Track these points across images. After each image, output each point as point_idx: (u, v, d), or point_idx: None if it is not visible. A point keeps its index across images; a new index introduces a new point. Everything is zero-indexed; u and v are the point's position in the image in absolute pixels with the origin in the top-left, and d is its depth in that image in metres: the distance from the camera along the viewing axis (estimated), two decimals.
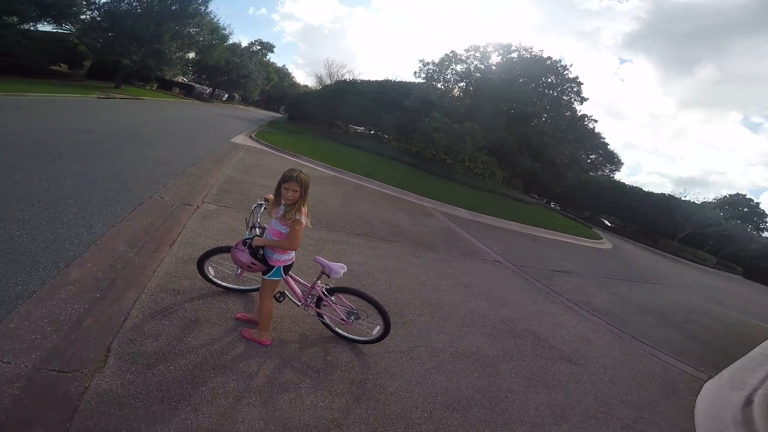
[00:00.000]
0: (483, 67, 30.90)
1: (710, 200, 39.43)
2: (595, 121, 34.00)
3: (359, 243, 6.32)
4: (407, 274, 5.54)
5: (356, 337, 3.33)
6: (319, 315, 3.27)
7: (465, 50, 31.70)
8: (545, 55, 29.92)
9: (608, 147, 43.08)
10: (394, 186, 13.97)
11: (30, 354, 2.26)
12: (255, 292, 3.57)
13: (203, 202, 5.90)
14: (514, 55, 30.31)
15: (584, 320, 6.08)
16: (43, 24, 31.01)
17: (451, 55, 31.74)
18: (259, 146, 15.26)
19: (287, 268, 2.90)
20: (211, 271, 3.40)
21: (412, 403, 2.87)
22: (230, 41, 52.17)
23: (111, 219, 4.36)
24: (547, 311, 5.96)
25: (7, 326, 2.41)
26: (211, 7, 42.56)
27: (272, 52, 78.57)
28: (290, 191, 2.61)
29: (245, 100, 76.05)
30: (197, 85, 54.72)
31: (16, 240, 3.37)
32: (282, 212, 2.69)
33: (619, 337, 5.79)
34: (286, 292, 3.23)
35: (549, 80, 29.58)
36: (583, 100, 30.50)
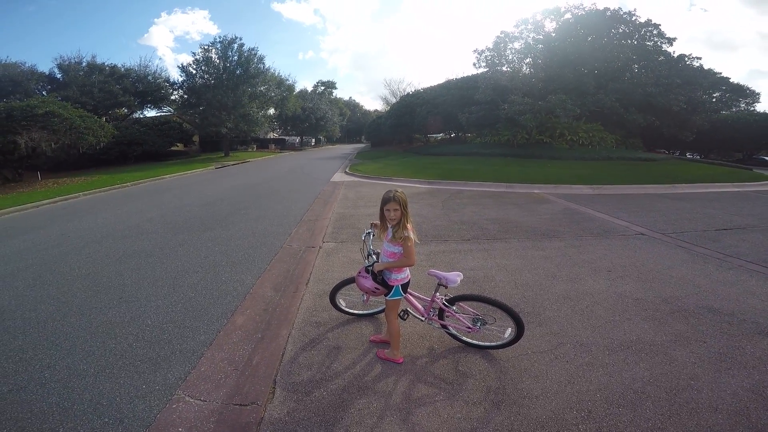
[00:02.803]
0: (541, 37, 29.09)
1: None
2: (699, 58, 29.01)
3: (471, 248, 6.04)
4: (532, 269, 5.07)
5: (486, 343, 3.16)
6: (444, 327, 3.23)
7: (515, 27, 30.38)
8: (601, 7, 27.53)
9: (730, 81, 36.02)
10: (494, 181, 13.40)
11: (219, 391, 2.76)
12: (382, 314, 3.76)
13: (323, 242, 6.61)
14: (568, 15, 28.28)
15: None
16: (147, 110, 39.06)
17: (503, 35, 30.57)
18: (354, 179, 16.34)
19: (405, 286, 3.00)
20: (342, 303, 3.79)
21: (564, 404, 2.54)
22: (297, 89, 57.85)
23: (256, 271, 5.23)
24: (723, 280, 4.88)
25: (199, 369, 3.03)
26: (268, 63, 47.97)
27: (335, 88, 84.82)
28: (392, 211, 2.77)
29: (330, 140, 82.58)
30: (287, 138, 61.35)
31: (192, 300, 4.34)
32: (390, 234, 2.85)
33: None
34: (408, 309, 3.31)
35: (620, 30, 27.05)
36: (670, 40, 27.03)
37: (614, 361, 3.04)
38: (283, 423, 2.46)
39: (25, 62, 31.07)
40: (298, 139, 62.23)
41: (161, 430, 2.41)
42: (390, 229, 2.85)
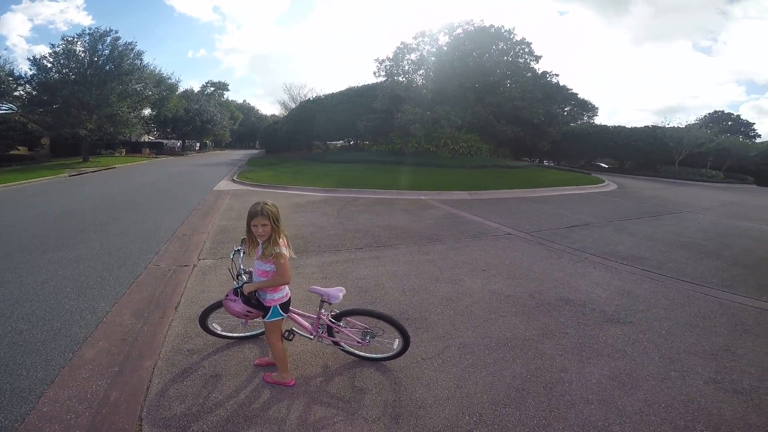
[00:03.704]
0: (435, 50, 30.99)
1: (693, 122, 39.31)
2: (557, 75, 34.95)
3: (363, 256, 6.06)
4: (418, 274, 5.28)
5: (378, 356, 3.14)
6: (336, 343, 3.11)
7: (414, 38, 31.80)
8: (487, 24, 30.31)
9: (579, 96, 43.83)
10: (386, 189, 13.74)
11: None
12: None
13: (199, 260, 5.87)
14: (459, 30, 30.50)
15: (616, 273, 5.77)
16: None
17: (402, 46, 31.79)
18: (243, 187, 15.11)
19: (285, 306, 2.78)
20: (217, 327, 3.38)
21: (457, 410, 2.62)
22: (181, 89, 51.73)
23: (112, 296, 4.45)
24: (574, 272, 5.67)
25: (41, 410, 2.55)
26: (147, 59, 40.98)
27: (227, 90, 78.78)
28: (260, 227, 2.52)
29: (218, 145, 75.78)
30: (166, 141, 54.45)
31: (25, 333, 3.57)
32: (261, 251, 2.60)
33: (660, 282, 5.43)
34: (294, 328, 3.08)
35: (499, 47, 29.97)
36: (537, 58, 30.94)
37: (495, 360, 3.25)
38: None
39: None
40: (179, 143, 55.59)
41: None
42: (260, 246, 2.61)
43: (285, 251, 2.56)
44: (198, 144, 63.53)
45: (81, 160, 30.28)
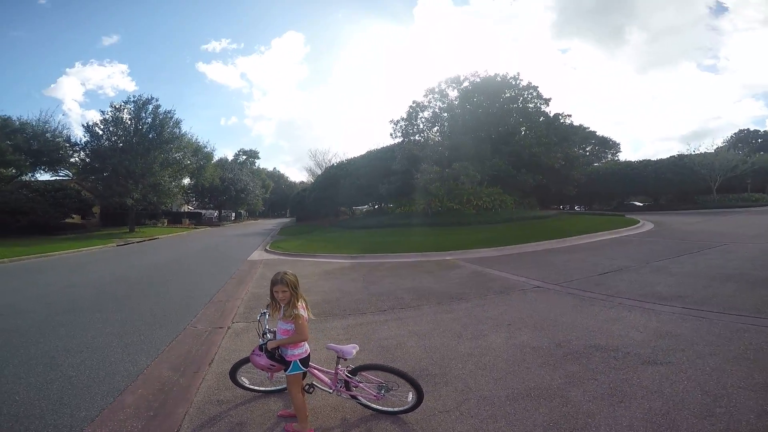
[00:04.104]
0: (445, 105, 31.90)
1: (721, 145, 38.31)
2: (569, 116, 34.46)
3: (386, 318, 6.20)
4: (441, 332, 5.34)
5: (394, 409, 3.26)
6: (354, 397, 3.31)
7: (424, 96, 32.91)
8: (492, 73, 31.09)
9: (597, 134, 43.65)
10: (410, 251, 13.96)
11: None
12: None
13: (233, 323, 6.41)
14: (466, 83, 31.39)
15: (654, 314, 5.62)
16: (40, 173, 33.56)
17: (415, 105, 32.93)
18: (275, 257, 15.94)
19: (304, 361, 3.10)
20: (245, 381, 3.72)
21: None
22: (216, 157, 53.66)
23: (153, 352, 5.00)
24: (607, 319, 5.57)
25: None
26: (185, 127, 43.93)
27: (258, 158, 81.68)
28: (280, 293, 2.98)
29: (252, 214, 78.00)
30: (204, 211, 56.78)
31: (73, 379, 4.15)
32: (282, 313, 3.02)
33: (703, 319, 5.23)
34: (314, 383, 3.35)
35: (507, 95, 30.48)
36: (547, 101, 31.29)
37: (516, 409, 3.24)
38: None
39: None
40: (216, 213, 58.26)
41: None
42: (282, 309, 3.02)
43: (303, 312, 2.99)
44: (233, 214, 66.21)
45: (128, 230, 32.03)
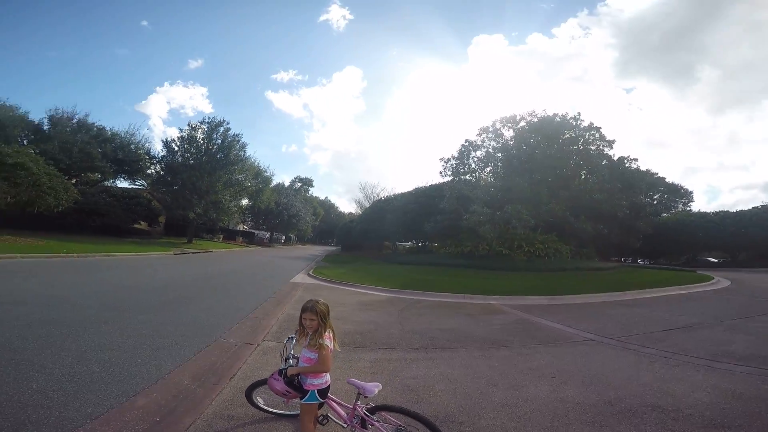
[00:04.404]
0: (500, 145, 31.20)
1: None
2: (635, 160, 32.29)
3: (417, 357, 5.88)
4: (474, 378, 4.93)
5: None
6: None
7: (477, 135, 32.40)
8: (551, 113, 29.92)
9: (666, 181, 40.55)
10: (452, 292, 13.46)
11: None
12: None
13: (264, 340, 6.42)
14: (523, 123, 30.52)
15: (727, 374, 4.98)
16: (120, 180, 37.98)
17: (467, 144, 32.59)
18: (316, 282, 16.20)
19: (323, 392, 2.99)
20: (260, 401, 3.64)
21: None
22: (274, 182, 57.61)
23: (179, 359, 5.03)
24: (669, 377, 4.95)
25: None
26: (249, 151, 47.80)
27: (312, 186, 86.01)
28: (308, 320, 2.95)
29: (301, 239, 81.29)
30: (257, 232, 60.01)
31: (95, 375, 4.20)
32: (308, 340, 2.99)
33: None
34: (329, 414, 3.23)
35: (567, 136, 29.15)
36: (610, 143, 29.63)
37: None
38: None
39: (20, 107, 31.01)
40: (268, 235, 61.40)
41: None
42: (308, 336, 2.98)
43: (329, 344, 2.91)
44: (284, 237, 69.74)
45: (186, 241, 34.60)
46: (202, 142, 35.77)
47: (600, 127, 29.61)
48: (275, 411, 3.66)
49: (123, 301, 8.45)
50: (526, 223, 24.72)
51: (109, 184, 36.11)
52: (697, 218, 35.57)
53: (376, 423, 3.01)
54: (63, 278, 11.12)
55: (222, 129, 36.46)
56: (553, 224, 26.95)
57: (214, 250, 31.99)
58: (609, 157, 30.32)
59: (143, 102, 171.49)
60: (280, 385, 2.98)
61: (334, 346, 2.99)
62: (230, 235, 52.35)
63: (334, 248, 67.27)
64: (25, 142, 30.38)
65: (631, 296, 13.54)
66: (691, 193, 41.87)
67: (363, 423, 3.06)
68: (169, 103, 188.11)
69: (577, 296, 13.34)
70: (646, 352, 6.26)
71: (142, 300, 8.89)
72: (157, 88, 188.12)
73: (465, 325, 8.49)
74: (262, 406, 3.64)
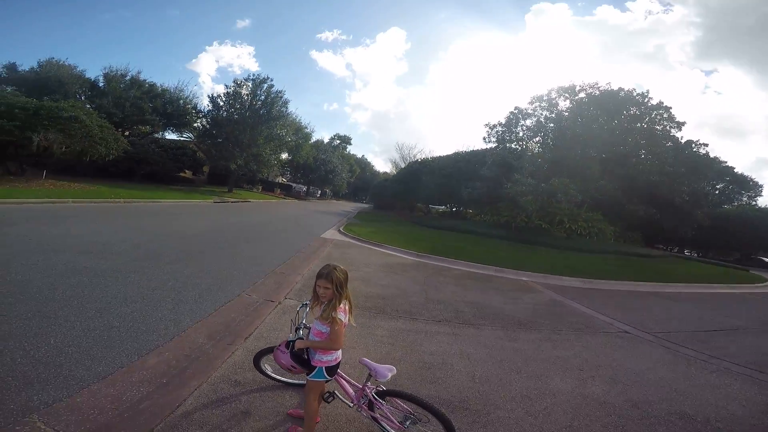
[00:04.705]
0: (553, 115, 29.83)
1: None
2: (705, 145, 29.72)
3: (439, 330, 5.80)
4: (497, 361, 4.80)
5: None
6: (374, 419, 2.96)
7: (529, 103, 31.18)
8: (615, 87, 28.11)
9: (735, 171, 37.12)
10: (483, 263, 13.23)
11: (80, 426, 2.59)
12: None
13: (285, 298, 6.36)
14: (582, 95, 29.03)
15: (766, 387, 4.67)
16: (169, 132, 40.96)
17: (516, 111, 31.43)
18: (346, 239, 16.28)
19: (331, 370, 2.79)
20: (268, 368, 3.53)
21: None
22: (314, 139, 60.47)
23: (199, 315, 5.03)
24: (705, 383, 4.70)
25: (74, 400, 2.86)
26: (291, 108, 50.72)
27: (350, 143, 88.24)
28: (322, 288, 2.65)
29: (336, 195, 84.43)
30: (294, 185, 62.56)
31: (113, 330, 4.15)
32: (321, 311, 2.72)
33: None
34: (336, 392, 3.05)
35: (631, 112, 27.44)
36: (679, 125, 27.53)
37: None
38: None
39: (77, 66, 33.85)
40: (304, 188, 63.54)
41: None
42: (322, 306, 2.72)
43: (343, 317, 2.65)
44: (319, 191, 72.14)
45: (227, 190, 37.12)
46: (246, 98, 37.50)
47: (670, 107, 27.59)
48: (283, 379, 3.57)
49: (158, 250, 8.52)
50: (573, 197, 23.61)
51: (158, 136, 38.73)
52: (763, 214, 32.79)
53: (384, 408, 2.88)
54: (106, 224, 11.51)
55: (265, 86, 37.88)
56: (600, 202, 25.66)
57: (252, 200, 33.44)
58: (675, 140, 28.16)
59: (193, 61, 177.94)
60: (285, 358, 2.83)
61: (349, 319, 2.72)
62: (269, 187, 54.31)
63: (366, 205, 68.36)
64: (83, 97, 32.76)
65: (675, 289, 12.89)
66: (761, 186, 38.21)
67: (370, 405, 2.94)
68: (217, 61, 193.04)
69: (616, 282, 12.83)
70: (685, 353, 5.95)
71: (176, 248, 8.96)
72: (207, 47, 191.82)
73: (493, 301, 8.32)
74: (269, 373, 3.54)
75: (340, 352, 2.84)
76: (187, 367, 3.61)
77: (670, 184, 25.07)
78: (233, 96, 37.24)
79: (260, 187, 50.92)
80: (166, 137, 40.46)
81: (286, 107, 39.94)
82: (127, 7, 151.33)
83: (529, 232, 24.34)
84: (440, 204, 47.88)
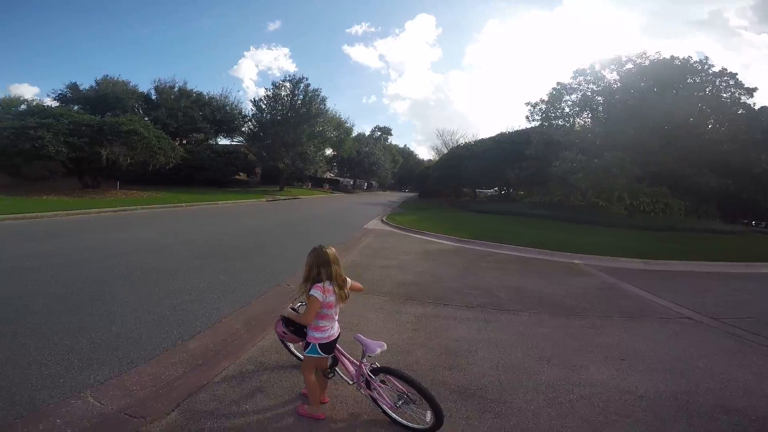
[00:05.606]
0: (600, 89, 28.61)
1: None
2: None
3: (469, 317, 5.70)
4: (527, 349, 4.62)
5: (410, 424, 2.90)
6: (372, 398, 3.04)
7: (572, 78, 30.17)
8: (667, 56, 26.36)
9: None
10: (530, 246, 12.77)
11: (122, 400, 3.02)
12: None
13: None
14: (630, 65, 27.53)
15: None
16: (221, 138, 44.82)
17: (559, 87, 30.46)
18: (388, 228, 16.77)
19: (326, 347, 2.95)
20: (291, 345, 3.78)
21: None
22: (355, 133, 63.88)
23: (240, 304, 5.61)
24: (767, 374, 4.28)
25: (121, 379, 3.34)
26: (330, 104, 52.77)
27: (391, 134, 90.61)
28: (306, 267, 2.94)
29: (381, 186, 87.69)
30: (342, 179, 66.36)
31: (163, 319, 4.78)
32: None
33: None
34: (338, 369, 3.21)
35: (689, 81, 25.57)
36: (750, 91, 25.11)
37: None
38: None
39: (130, 81, 37.92)
40: (351, 182, 67.08)
41: (46, 420, 2.67)
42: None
43: (318, 295, 2.81)
44: (366, 184, 75.91)
45: (278, 188, 39.99)
46: (286, 98, 39.83)
47: (736, 74, 25.25)
48: (299, 355, 3.70)
49: (214, 248, 9.58)
50: (629, 172, 22.26)
51: (212, 143, 42.24)
52: None
53: (379, 386, 2.96)
54: (170, 227, 13.02)
55: (302, 85, 39.91)
56: (661, 176, 24.09)
57: (301, 197, 35.97)
58: (747, 106, 25.73)
59: (234, 67, 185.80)
60: (279, 326, 3.11)
61: (335, 300, 2.88)
62: (317, 183, 57.54)
63: (412, 195, 69.47)
64: (140, 111, 36.26)
65: (755, 270, 11.70)
66: None
67: (368, 384, 3.01)
68: (257, 65, 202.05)
69: (682, 263, 11.84)
70: (752, 340, 5.42)
71: (231, 246, 9.96)
72: (245, 53, 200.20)
73: (537, 285, 8.03)
74: (293, 350, 3.81)
75: (335, 330, 2.99)
76: (221, 351, 4.05)
77: (746, 151, 22.95)
78: (273, 98, 39.55)
79: (309, 184, 53.84)
80: (219, 143, 43.89)
81: (324, 104, 41.73)
82: (162, 21, 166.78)
83: (584, 211, 23.17)
84: (487, 188, 47.41)
